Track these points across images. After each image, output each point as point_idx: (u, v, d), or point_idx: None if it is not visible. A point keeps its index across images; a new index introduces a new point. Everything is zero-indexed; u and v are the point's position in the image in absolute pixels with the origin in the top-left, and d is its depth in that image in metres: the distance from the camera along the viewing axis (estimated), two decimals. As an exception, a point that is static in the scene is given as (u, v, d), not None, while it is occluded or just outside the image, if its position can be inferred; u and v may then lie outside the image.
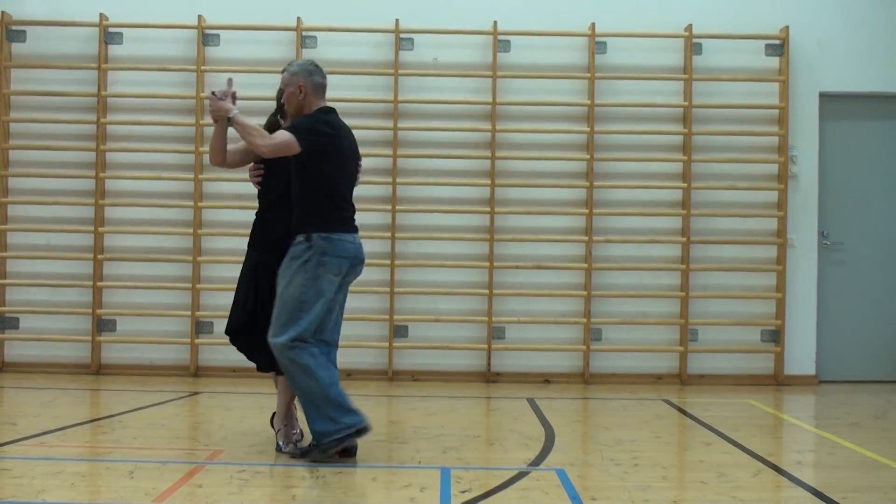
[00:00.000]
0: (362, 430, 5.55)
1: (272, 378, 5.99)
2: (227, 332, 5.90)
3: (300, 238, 5.60)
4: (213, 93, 5.63)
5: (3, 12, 9.25)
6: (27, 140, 9.32)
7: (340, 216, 5.72)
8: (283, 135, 5.54)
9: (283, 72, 5.85)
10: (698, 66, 9.40)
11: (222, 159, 5.79)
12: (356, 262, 5.74)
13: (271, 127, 5.87)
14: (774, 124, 9.44)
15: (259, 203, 5.96)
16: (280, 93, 5.90)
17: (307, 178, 5.63)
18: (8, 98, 9.30)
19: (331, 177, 5.69)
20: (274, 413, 5.97)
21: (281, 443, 5.76)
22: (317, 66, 5.87)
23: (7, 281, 9.24)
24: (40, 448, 5.71)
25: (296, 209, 5.66)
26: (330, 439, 5.46)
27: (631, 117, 9.43)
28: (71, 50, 9.38)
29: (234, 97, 5.68)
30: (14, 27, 9.33)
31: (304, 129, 5.60)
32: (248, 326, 5.77)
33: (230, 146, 5.79)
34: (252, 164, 5.90)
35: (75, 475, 5.06)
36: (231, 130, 5.65)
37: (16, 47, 9.38)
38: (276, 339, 5.48)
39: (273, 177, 5.83)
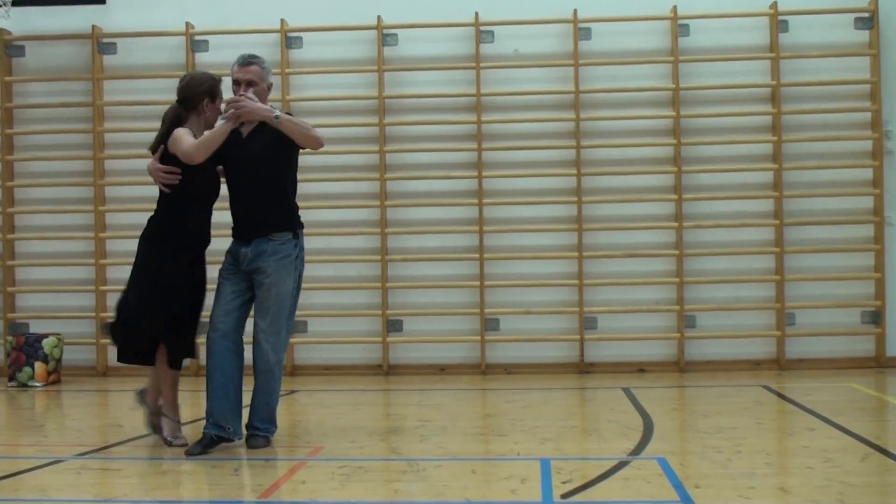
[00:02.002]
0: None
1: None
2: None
3: (286, 235, 5.75)
4: (243, 95, 5.60)
5: (93, 26, 9.50)
6: (121, 150, 9.56)
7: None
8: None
9: (251, 64, 5.76)
10: (785, 44, 9.19)
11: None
12: None
13: (178, 116, 5.76)
14: (866, 100, 9.19)
15: (171, 202, 5.73)
16: (201, 83, 5.78)
17: (289, 175, 5.81)
18: (101, 109, 9.55)
19: (296, 175, 5.93)
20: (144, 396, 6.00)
21: (170, 437, 5.78)
22: None
23: (108, 287, 9.49)
24: (147, 449, 5.84)
25: (268, 204, 5.73)
26: (271, 435, 5.83)
27: (718, 99, 9.27)
28: (159, 60, 9.60)
29: None
30: (105, 40, 9.58)
31: None
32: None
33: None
34: (166, 168, 5.65)
35: (182, 473, 5.17)
36: None
37: (107, 59, 9.63)
38: (282, 333, 5.74)
39: (200, 175, 5.68)
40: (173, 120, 5.76)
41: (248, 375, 5.77)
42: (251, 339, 5.76)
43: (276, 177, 5.74)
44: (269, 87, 5.88)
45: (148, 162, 5.80)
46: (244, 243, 5.74)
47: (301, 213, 8.44)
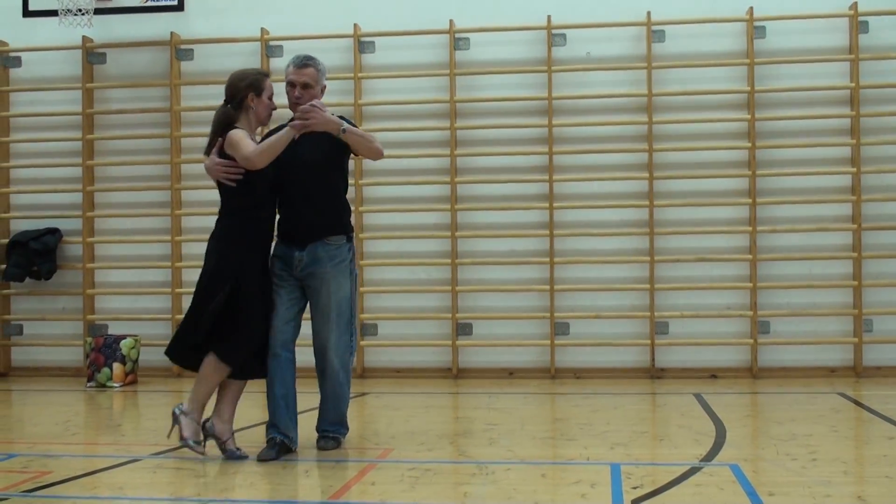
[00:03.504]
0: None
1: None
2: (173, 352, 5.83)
3: (341, 239, 5.68)
4: (314, 105, 5.47)
5: (172, 33, 9.70)
6: (197, 154, 9.68)
7: None
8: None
9: (307, 66, 5.66)
10: (865, 45, 9.01)
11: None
12: None
13: (226, 117, 5.59)
14: (950, 102, 8.97)
15: (235, 204, 5.58)
16: (242, 78, 5.64)
17: (342, 178, 5.76)
18: (179, 114, 9.74)
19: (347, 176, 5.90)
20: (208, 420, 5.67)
21: (233, 448, 5.58)
22: None
23: (184, 290, 9.66)
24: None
25: (324, 207, 5.65)
26: (343, 437, 5.90)
27: (794, 102, 9.12)
28: (235, 65, 9.57)
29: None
30: (182, 46, 9.77)
31: None
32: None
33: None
34: (226, 163, 5.51)
35: (254, 474, 5.23)
36: None
37: (184, 65, 9.82)
38: (343, 338, 5.70)
39: (257, 176, 5.50)
40: (221, 121, 5.60)
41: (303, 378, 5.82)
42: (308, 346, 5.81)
43: (330, 181, 5.71)
44: (323, 89, 5.79)
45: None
46: (298, 247, 5.64)
47: (371, 216, 8.55)
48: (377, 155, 5.69)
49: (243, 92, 5.60)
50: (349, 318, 5.76)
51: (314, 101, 5.54)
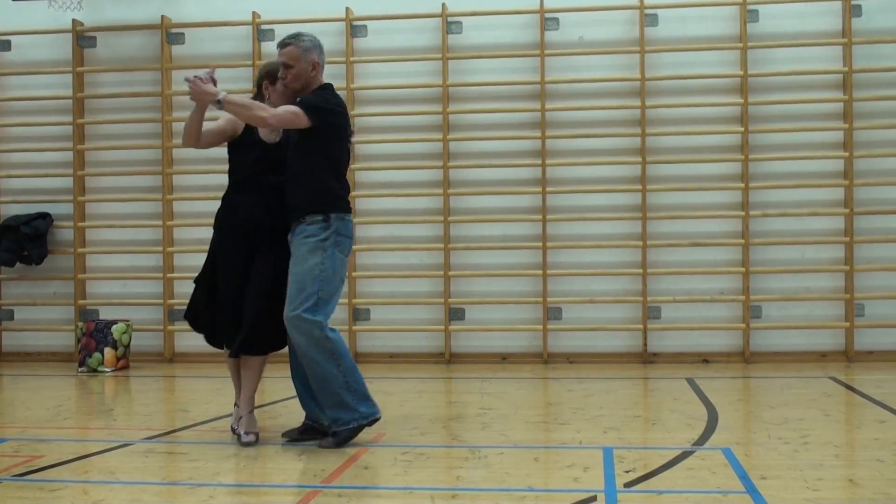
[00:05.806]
0: (376, 420, 5.57)
1: (229, 363, 5.77)
2: (185, 317, 5.95)
3: (316, 217, 5.45)
4: (196, 77, 5.31)
5: (163, 16, 9.64)
6: (188, 138, 9.67)
7: (346, 197, 5.65)
8: (289, 107, 5.40)
9: (286, 46, 5.54)
10: (858, 30, 9.00)
11: (196, 141, 5.59)
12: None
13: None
14: (943, 86, 8.97)
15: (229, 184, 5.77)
16: (263, 67, 5.79)
17: (317, 156, 5.51)
18: (170, 99, 9.69)
19: (340, 157, 5.63)
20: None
21: (243, 432, 5.56)
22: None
23: (175, 275, 9.64)
24: (213, 433, 5.93)
25: (299, 187, 5.49)
26: (346, 428, 5.45)
27: (787, 86, 9.11)
28: (226, 49, 9.71)
29: (214, 83, 5.40)
30: (173, 30, 9.71)
31: (316, 106, 5.45)
32: (209, 309, 5.73)
33: (204, 127, 5.57)
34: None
35: (247, 458, 5.23)
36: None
37: (175, 49, 9.77)
38: (295, 312, 5.35)
39: (241, 157, 5.66)
40: None
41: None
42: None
43: (306, 160, 5.50)
44: (315, 65, 5.58)
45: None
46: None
47: (364, 200, 8.45)
48: (261, 122, 5.37)
49: (260, 80, 5.73)
50: (311, 293, 5.40)
51: (197, 73, 5.37)
